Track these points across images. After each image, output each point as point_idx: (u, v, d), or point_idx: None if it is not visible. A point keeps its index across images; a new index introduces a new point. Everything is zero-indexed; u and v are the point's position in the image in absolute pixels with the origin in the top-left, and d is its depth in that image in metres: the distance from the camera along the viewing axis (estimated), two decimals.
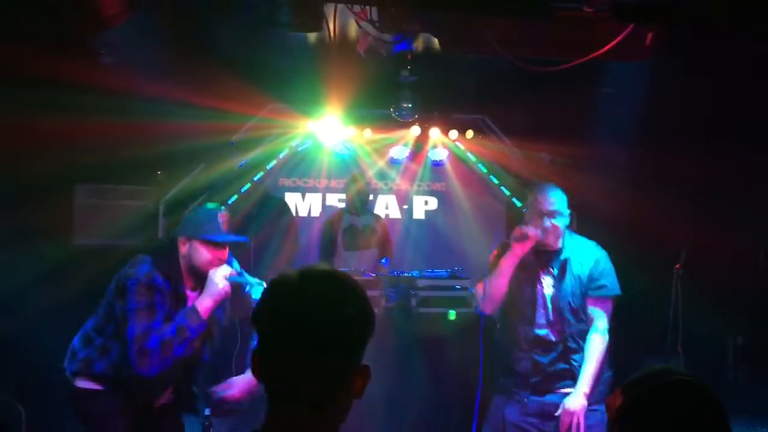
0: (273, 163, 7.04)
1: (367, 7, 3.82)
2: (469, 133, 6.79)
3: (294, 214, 7.24)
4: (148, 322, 2.88)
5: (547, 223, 3.35)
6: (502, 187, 7.33)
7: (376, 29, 3.86)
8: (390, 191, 7.54)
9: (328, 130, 6.56)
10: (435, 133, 6.87)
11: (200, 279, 3.03)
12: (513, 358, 3.48)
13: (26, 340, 4.69)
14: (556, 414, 3.30)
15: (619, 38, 3.08)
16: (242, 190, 6.92)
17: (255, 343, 1.45)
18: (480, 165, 7.33)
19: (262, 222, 6.91)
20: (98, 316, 3.07)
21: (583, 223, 6.60)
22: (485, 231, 7.29)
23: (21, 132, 4.30)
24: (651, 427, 1.56)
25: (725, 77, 3.77)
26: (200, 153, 5.89)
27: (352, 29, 4.53)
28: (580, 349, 3.38)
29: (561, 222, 3.40)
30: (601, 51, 3.17)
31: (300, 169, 7.31)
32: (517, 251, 3.37)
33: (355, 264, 5.69)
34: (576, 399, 3.26)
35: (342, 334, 1.37)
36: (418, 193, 7.58)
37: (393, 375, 4.93)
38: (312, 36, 4.85)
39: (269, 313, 1.41)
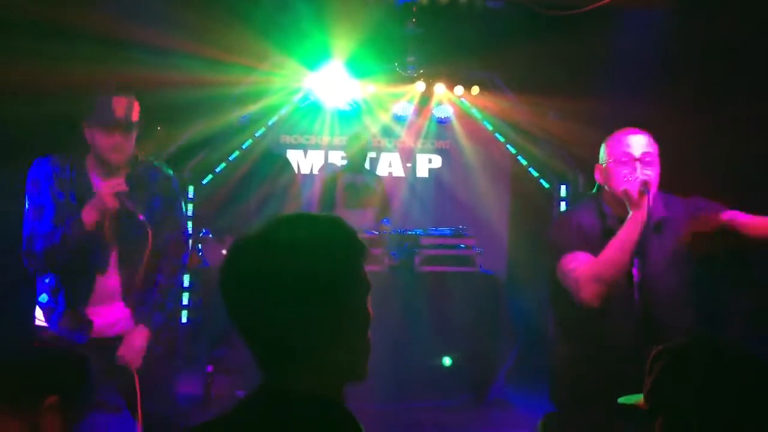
0: (274, 119, 6.93)
1: None
2: (475, 89, 6.66)
3: (296, 171, 7.16)
4: (36, 223, 2.80)
5: (640, 172, 2.46)
6: (508, 145, 7.22)
7: None
8: (394, 149, 7.43)
9: (330, 86, 6.44)
10: (440, 88, 6.74)
11: (110, 168, 2.86)
12: (605, 377, 2.40)
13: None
14: None
15: None
16: (243, 146, 6.83)
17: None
18: (486, 122, 7.20)
19: (263, 179, 6.84)
20: None
21: (590, 179, 6.52)
22: (490, 189, 7.20)
23: (13, 82, 4.18)
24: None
25: (751, 24, 3.61)
26: (201, 107, 5.77)
27: None
28: None
29: (657, 171, 2.51)
30: None
31: (302, 126, 7.19)
32: (644, 210, 2.41)
33: (355, 222, 5.61)
34: None
35: (306, 285, 1.22)
36: (423, 150, 7.47)
37: (397, 334, 4.89)
38: None
39: (226, 277, 1.28)
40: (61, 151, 2.96)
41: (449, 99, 6.92)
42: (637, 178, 2.45)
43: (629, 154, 2.50)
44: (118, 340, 2.86)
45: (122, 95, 2.84)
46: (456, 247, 5.47)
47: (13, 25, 3.97)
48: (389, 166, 7.43)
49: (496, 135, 7.24)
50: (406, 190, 7.25)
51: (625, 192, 2.46)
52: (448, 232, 5.59)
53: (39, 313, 2.90)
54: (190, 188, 6.53)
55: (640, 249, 2.46)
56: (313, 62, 6.10)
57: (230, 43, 4.93)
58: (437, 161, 7.53)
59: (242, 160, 6.82)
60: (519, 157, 7.22)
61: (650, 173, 2.48)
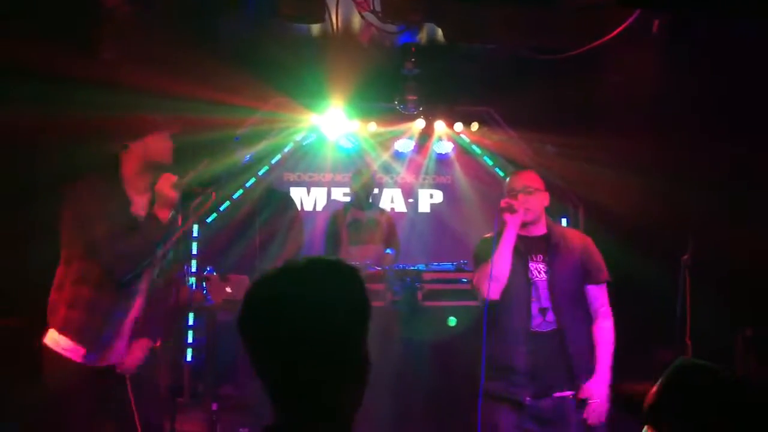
0: (277, 157, 7.04)
1: None
2: (474, 126, 6.76)
3: (299, 209, 7.23)
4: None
5: (523, 198, 3.28)
6: (507, 179, 7.30)
7: (379, 20, 3.82)
8: (395, 185, 7.52)
9: (332, 124, 6.55)
10: (440, 125, 6.85)
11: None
12: (507, 354, 3.20)
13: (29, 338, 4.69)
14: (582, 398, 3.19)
15: (625, 24, 3.03)
16: (247, 185, 6.92)
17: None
18: (485, 157, 7.30)
19: (266, 217, 6.91)
20: None
21: (590, 214, 6.59)
22: (491, 224, 7.24)
23: (21, 127, 4.28)
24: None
25: (734, 63, 3.71)
26: (204, 148, 5.86)
27: (356, 20, 4.50)
28: (577, 340, 3.23)
29: (537, 199, 3.32)
30: (607, 38, 3.13)
31: (304, 164, 7.30)
32: (511, 224, 3.24)
33: (360, 258, 5.66)
34: (602, 387, 3.20)
35: (329, 333, 1.28)
36: (423, 186, 7.57)
37: (399, 369, 4.91)
38: (315, 28, 4.82)
39: (250, 317, 1.33)
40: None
41: (449, 135, 7.03)
42: (508, 203, 3.26)
43: (513, 187, 3.35)
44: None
45: None
46: (458, 281, 5.50)
47: (19, 73, 4.07)
48: (391, 201, 7.51)
49: (496, 170, 7.33)
50: (408, 226, 7.31)
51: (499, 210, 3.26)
52: (450, 266, 5.62)
53: (61, 340, 2.98)
54: (195, 227, 6.61)
55: (549, 259, 3.29)
56: (314, 102, 6.21)
57: (233, 85, 5.04)
58: (438, 196, 7.61)
59: (246, 199, 6.91)
60: None
61: (529, 200, 3.28)
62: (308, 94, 5.98)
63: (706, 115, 4.04)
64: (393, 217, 6.35)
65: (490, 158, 7.29)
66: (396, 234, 6.19)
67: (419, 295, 5.34)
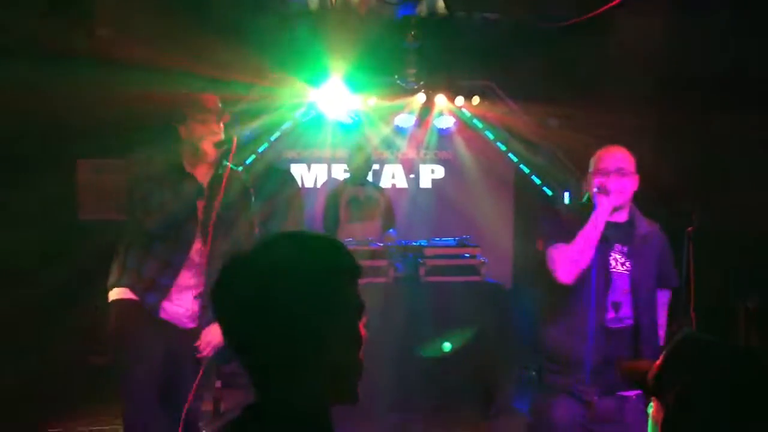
0: (277, 134, 6.97)
1: None
2: (476, 99, 6.68)
3: (300, 186, 7.18)
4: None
5: (616, 179, 2.94)
6: (509, 154, 7.25)
7: None
8: (396, 160, 7.46)
9: (331, 99, 6.47)
10: (441, 99, 6.77)
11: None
12: (574, 347, 2.93)
13: (33, 317, 4.69)
14: None
15: None
16: (246, 162, 6.86)
17: None
18: (487, 131, 7.24)
19: (267, 194, 6.86)
20: None
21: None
22: (493, 198, 7.22)
23: (19, 105, 4.24)
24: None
25: (743, 30, 3.63)
26: None
27: None
28: (653, 338, 3.01)
29: (631, 182, 2.99)
30: (609, 5, 3.06)
31: (304, 140, 7.23)
32: (603, 207, 2.90)
33: (361, 235, 5.63)
34: None
35: (289, 306, 1.24)
36: (425, 161, 7.50)
37: (401, 345, 4.90)
38: (313, 0, 4.75)
39: (217, 296, 1.32)
40: None
41: (450, 110, 6.95)
42: (602, 183, 2.93)
43: (605, 167, 2.96)
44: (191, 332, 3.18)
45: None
46: (460, 256, 5.46)
47: (14, 50, 4.02)
48: (392, 177, 7.46)
49: (498, 144, 7.27)
50: (410, 201, 7.26)
51: (592, 195, 2.94)
52: (453, 242, 5.58)
53: (118, 290, 3.10)
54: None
55: (632, 251, 2.98)
56: (313, 77, 6.14)
57: (230, 60, 4.98)
58: (440, 172, 7.56)
59: (246, 176, 6.85)
60: (521, 166, 7.24)
61: (623, 183, 2.94)
62: (306, 69, 5.91)
63: (714, 84, 3.96)
64: (391, 197, 6.30)
65: (491, 132, 7.22)
66: (393, 214, 6.14)
67: (421, 270, 5.33)
